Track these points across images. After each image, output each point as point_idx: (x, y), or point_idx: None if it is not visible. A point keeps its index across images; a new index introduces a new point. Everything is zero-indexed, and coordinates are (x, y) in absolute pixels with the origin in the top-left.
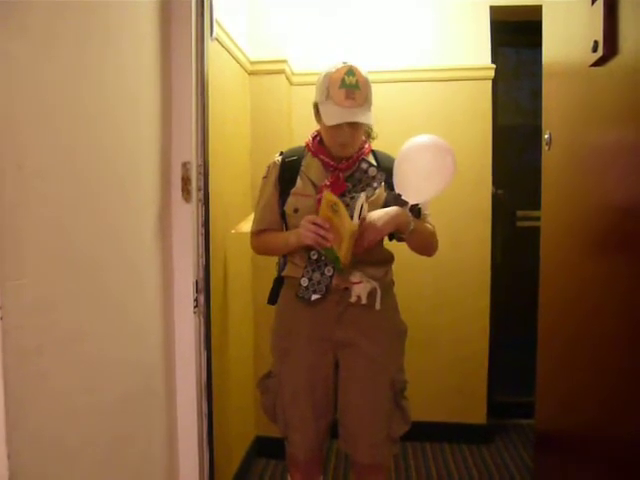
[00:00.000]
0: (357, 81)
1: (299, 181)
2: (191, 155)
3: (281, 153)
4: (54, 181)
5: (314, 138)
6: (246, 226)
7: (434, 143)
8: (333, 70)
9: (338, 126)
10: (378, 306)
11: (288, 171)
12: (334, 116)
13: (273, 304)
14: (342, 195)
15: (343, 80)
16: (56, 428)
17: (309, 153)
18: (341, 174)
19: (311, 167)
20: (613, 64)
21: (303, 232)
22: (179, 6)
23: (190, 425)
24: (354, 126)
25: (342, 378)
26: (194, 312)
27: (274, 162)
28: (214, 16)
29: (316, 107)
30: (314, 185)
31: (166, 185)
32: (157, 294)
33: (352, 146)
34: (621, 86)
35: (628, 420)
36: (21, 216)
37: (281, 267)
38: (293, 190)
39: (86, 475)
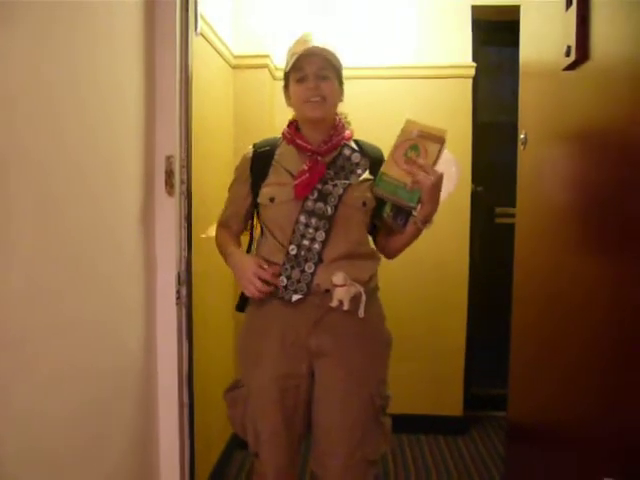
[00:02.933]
0: (318, 37)
1: (271, 172)
2: (175, 149)
3: (254, 145)
4: (42, 175)
5: (290, 125)
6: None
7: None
8: (299, 36)
9: (304, 78)
10: (362, 313)
11: (260, 162)
12: (296, 51)
13: (242, 311)
14: (323, 182)
15: (305, 38)
16: (40, 417)
17: (284, 142)
18: (320, 157)
19: (285, 155)
20: (585, 68)
21: (244, 283)
22: (163, 1)
23: (171, 415)
24: (321, 79)
25: (316, 390)
26: (176, 304)
27: (245, 154)
28: (199, 11)
29: (285, 85)
30: (290, 174)
31: (150, 178)
32: (140, 286)
33: (325, 104)
34: (592, 90)
35: (600, 416)
36: (7, 207)
37: None
38: (266, 181)
39: (71, 460)
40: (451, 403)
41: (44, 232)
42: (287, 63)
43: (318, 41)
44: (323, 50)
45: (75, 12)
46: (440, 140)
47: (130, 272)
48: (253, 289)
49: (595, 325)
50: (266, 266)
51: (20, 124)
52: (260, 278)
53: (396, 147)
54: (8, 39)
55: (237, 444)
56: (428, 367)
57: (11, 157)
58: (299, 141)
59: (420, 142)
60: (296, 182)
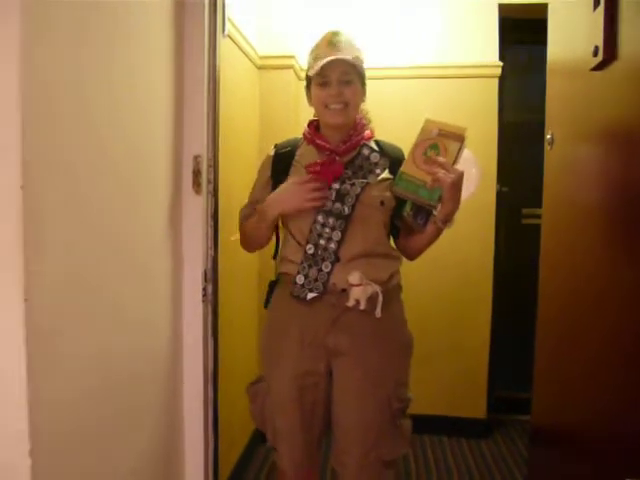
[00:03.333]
0: (345, 39)
1: (292, 172)
2: (202, 148)
3: (275, 146)
4: (77, 169)
5: (310, 125)
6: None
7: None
8: (320, 37)
9: (327, 83)
10: (378, 313)
11: (282, 163)
12: (321, 63)
13: None
14: (341, 182)
15: (330, 40)
16: (71, 405)
17: (304, 142)
18: (337, 157)
19: (306, 155)
20: (612, 69)
21: (301, 198)
22: (193, 4)
23: (196, 410)
24: (344, 84)
25: (334, 389)
26: (202, 301)
27: (268, 155)
28: (226, 13)
29: (307, 85)
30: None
31: (177, 177)
32: (167, 283)
33: (347, 110)
34: (620, 90)
35: (626, 417)
36: (43, 206)
37: (277, 266)
38: (287, 181)
39: (97, 451)
40: (475, 405)
41: (81, 226)
42: (309, 64)
43: (343, 42)
44: (348, 57)
45: (109, 17)
46: (460, 138)
47: (159, 269)
48: (310, 199)
49: (617, 322)
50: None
51: (59, 125)
52: (308, 187)
53: (416, 146)
54: (48, 44)
55: (260, 439)
56: (452, 368)
57: (51, 156)
58: (318, 141)
59: (440, 141)
60: (309, 168)
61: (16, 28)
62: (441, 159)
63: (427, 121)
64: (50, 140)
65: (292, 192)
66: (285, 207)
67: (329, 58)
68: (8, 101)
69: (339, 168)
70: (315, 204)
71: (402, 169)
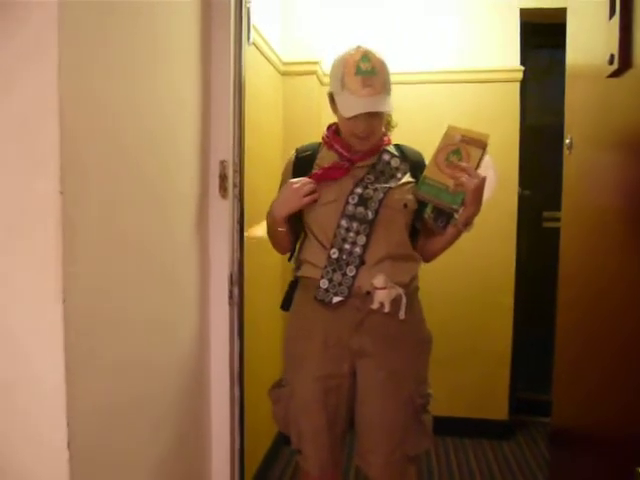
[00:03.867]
0: (373, 67)
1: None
2: (228, 154)
3: (296, 150)
4: (110, 175)
5: (329, 128)
6: (259, 230)
7: None
8: (347, 56)
9: (356, 117)
10: (402, 315)
11: (302, 167)
12: (351, 107)
13: (287, 310)
14: (364, 187)
15: (358, 67)
16: (105, 400)
17: (325, 146)
18: (349, 164)
19: (326, 159)
20: (628, 76)
21: (292, 199)
22: (219, 13)
23: (223, 410)
24: (373, 116)
25: (358, 390)
26: (229, 303)
27: (289, 159)
28: (251, 22)
29: (331, 96)
30: None
31: (204, 182)
32: (195, 285)
33: (372, 138)
34: (635, 98)
35: None
36: (79, 210)
37: (296, 269)
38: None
39: (131, 447)
40: (497, 407)
41: (113, 231)
42: (335, 86)
43: (372, 72)
44: (381, 107)
45: (137, 24)
46: (482, 145)
47: (187, 272)
48: (303, 194)
49: (637, 326)
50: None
51: (93, 133)
52: (301, 184)
53: (439, 151)
54: (83, 55)
55: (284, 440)
56: (474, 370)
57: (86, 163)
58: (337, 146)
59: (462, 147)
60: (316, 171)
61: (54, 38)
62: (464, 164)
63: (450, 127)
64: (85, 148)
65: (289, 192)
66: (286, 207)
67: (359, 111)
68: (47, 109)
69: (341, 171)
70: (309, 200)
71: (425, 173)
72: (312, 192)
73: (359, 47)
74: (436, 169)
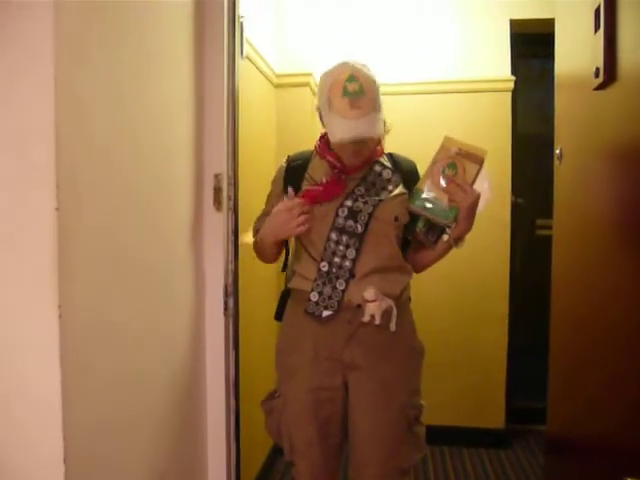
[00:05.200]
0: (360, 86)
1: (304, 185)
2: (222, 167)
3: (288, 157)
4: (105, 191)
5: (321, 138)
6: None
7: None
8: (334, 74)
9: (343, 140)
10: (393, 327)
11: (293, 176)
12: (339, 130)
13: (280, 320)
14: (354, 200)
15: (345, 88)
16: (102, 413)
17: (317, 156)
18: (344, 176)
19: (318, 169)
20: (613, 89)
21: (287, 225)
22: (212, 27)
23: (219, 421)
24: (362, 140)
25: (350, 402)
26: (224, 314)
27: (280, 167)
28: (244, 36)
29: (319, 111)
30: None
31: (199, 195)
32: (190, 297)
33: (362, 156)
34: (621, 110)
35: (638, 426)
36: (75, 226)
37: (288, 279)
38: (299, 194)
39: (127, 460)
40: (493, 416)
41: (108, 245)
42: (320, 101)
43: (360, 92)
44: (368, 132)
45: (130, 38)
46: (479, 160)
47: (182, 284)
48: (297, 225)
49: (632, 337)
50: (289, 202)
51: (88, 149)
52: (295, 212)
53: (434, 163)
54: (79, 68)
55: (280, 451)
56: (469, 379)
57: (82, 179)
58: (329, 157)
59: (459, 160)
60: (308, 188)
61: (50, 53)
62: (460, 180)
63: (446, 139)
64: (81, 163)
65: (282, 220)
66: (277, 235)
67: (348, 136)
68: (43, 123)
69: (339, 188)
70: (303, 229)
71: (419, 186)
72: (306, 217)
73: (346, 64)
74: (431, 183)
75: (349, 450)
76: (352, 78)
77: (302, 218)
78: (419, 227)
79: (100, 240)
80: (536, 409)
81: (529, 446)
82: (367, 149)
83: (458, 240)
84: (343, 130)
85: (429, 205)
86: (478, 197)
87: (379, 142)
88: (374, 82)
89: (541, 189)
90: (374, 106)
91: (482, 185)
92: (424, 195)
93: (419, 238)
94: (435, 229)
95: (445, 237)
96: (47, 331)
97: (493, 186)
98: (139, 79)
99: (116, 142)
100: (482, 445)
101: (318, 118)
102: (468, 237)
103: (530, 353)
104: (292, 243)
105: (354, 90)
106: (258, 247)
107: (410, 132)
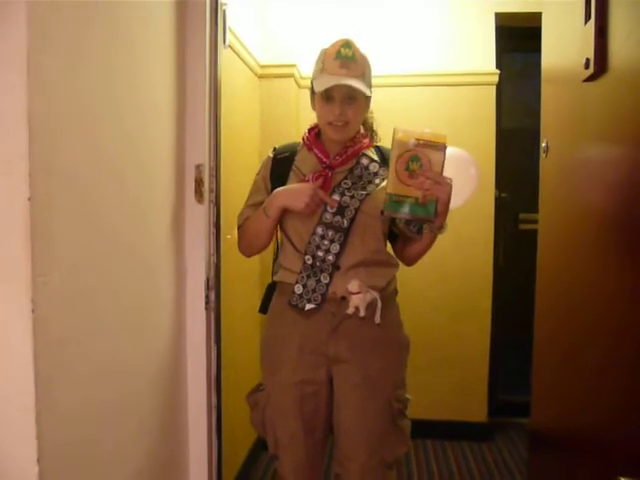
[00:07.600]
0: (354, 54)
1: (292, 177)
2: (204, 158)
3: (274, 149)
4: (82, 182)
5: (310, 131)
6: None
7: (458, 155)
8: (332, 44)
9: (331, 99)
10: (378, 319)
11: (280, 167)
12: (325, 82)
13: (265, 313)
14: (341, 194)
15: (339, 52)
16: (77, 412)
17: (304, 148)
18: (330, 172)
19: (305, 161)
20: (603, 80)
21: (304, 198)
22: (194, 15)
23: (200, 416)
24: (349, 102)
25: (335, 396)
26: (205, 308)
27: (267, 158)
28: (227, 25)
29: (312, 90)
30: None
31: (180, 186)
32: (171, 291)
33: (348, 129)
34: (611, 101)
35: (625, 423)
36: (50, 217)
37: (274, 272)
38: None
39: (106, 458)
40: (475, 409)
41: (86, 236)
42: (315, 73)
43: (351, 57)
44: (353, 81)
45: (112, 27)
46: (442, 147)
47: (163, 277)
48: (309, 203)
49: (617, 332)
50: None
51: (64, 137)
52: (315, 198)
53: (396, 161)
54: (52, 56)
55: (262, 446)
56: (452, 373)
57: (57, 168)
58: (316, 151)
59: (420, 152)
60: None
61: (23, 42)
62: (429, 173)
63: (398, 131)
64: (56, 152)
65: (302, 193)
66: (289, 203)
67: (333, 83)
68: (15, 113)
69: (327, 184)
70: (308, 211)
71: (388, 190)
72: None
73: (343, 38)
74: (399, 183)
75: (334, 444)
76: (348, 45)
77: (315, 205)
78: (398, 221)
79: (78, 232)
80: (518, 402)
81: (511, 439)
82: (351, 124)
83: (439, 228)
84: (330, 81)
85: (405, 206)
86: (451, 185)
87: (366, 135)
88: (367, 60)
89: (525, 183)
90: (363, 76)
91: (468, 170)
92: (396, 198)
93: (403, 231)
94: (414, 221)
95: (426, 227)
96: (20, 327)
97: (480, 171)
98: (119, 67)
99: (96, 130)
100: (464, 438)
101: (310, 101)
102: (451, 232)
103: (513, 346)
104: (280, 236)
105: (347, 55)
106: (247, 230)
107: (393, 124)
